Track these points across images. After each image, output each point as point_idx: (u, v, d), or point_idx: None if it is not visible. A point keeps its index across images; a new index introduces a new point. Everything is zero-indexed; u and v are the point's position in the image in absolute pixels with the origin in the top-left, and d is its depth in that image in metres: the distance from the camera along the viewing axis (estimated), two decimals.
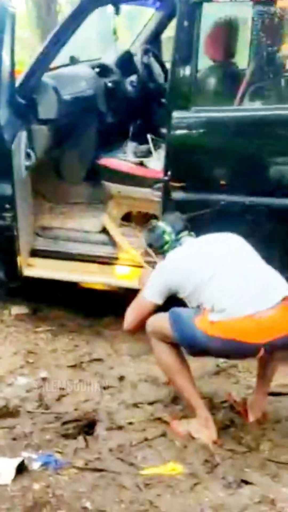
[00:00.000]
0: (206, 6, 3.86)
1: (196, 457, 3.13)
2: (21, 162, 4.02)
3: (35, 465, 2.96)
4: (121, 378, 3.92)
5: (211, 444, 3.19)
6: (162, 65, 5.36)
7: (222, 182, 3.91)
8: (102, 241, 4.49)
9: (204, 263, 3.21)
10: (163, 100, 5.08)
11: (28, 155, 4.06)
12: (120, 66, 5.28)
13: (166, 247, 3.43)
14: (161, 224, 3.50)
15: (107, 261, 4.36)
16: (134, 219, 4.63)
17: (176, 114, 3.93)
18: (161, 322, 3.26)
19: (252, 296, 3.07)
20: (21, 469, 2.89)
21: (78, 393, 3.76)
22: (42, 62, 4.20)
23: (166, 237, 3.42)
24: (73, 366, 4.09)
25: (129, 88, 5.26)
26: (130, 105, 5.17)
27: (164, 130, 4.71)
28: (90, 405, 3.60)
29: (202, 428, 3.26)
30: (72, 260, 4.44)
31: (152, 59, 5.22)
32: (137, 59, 5.24)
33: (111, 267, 4.35)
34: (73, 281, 4.39)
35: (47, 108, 4.21)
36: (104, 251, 4.45)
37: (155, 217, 4.38)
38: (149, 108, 5.22)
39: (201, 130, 3.96)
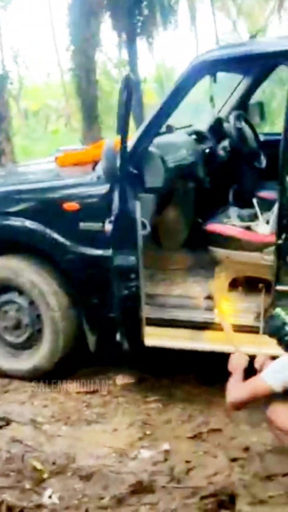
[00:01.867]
0: None
1: None
2: (139, 231, 4.00)
3: None
4: (246, 449, 3.80)
5: None
6: (253, 130, 5.38)
7: None
8: (211, 307, 4.41)
9: None
10: (256, 164, 5.13)
11: (143, 225, 4.04)
12: (213, 132, 5.31)
13: (287, 338, 3.37)
14: (281, 314, 3.43)
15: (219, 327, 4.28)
16: (241, 284, 4.57)
17: None
18: None
19: None
20: None
21: (206, 466, 3.64)
22: (149, 133, 4.22)
23: (287, 329, 3.37)
24: (193, 437, 3.98)
25: (222, 153, 5.27)
26: (226, 170, 5.19)
27: (264, 194, 4.77)
28: (221, 478, 3.48)
29: None
30: (181, 328, 4.38)
31: (243, 124, 5.25)
32: (228, 124, 5.28)
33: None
34: (191, 349, 4.31)
35: (155, 177, 4.22)
36: (214, 317, 4.37)
37: (263, 280, 4.35)
38: (244, 172, 5.22)
39: None
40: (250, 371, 3.62)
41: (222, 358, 4.24)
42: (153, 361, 4.72)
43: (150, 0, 20.43)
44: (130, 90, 3.81)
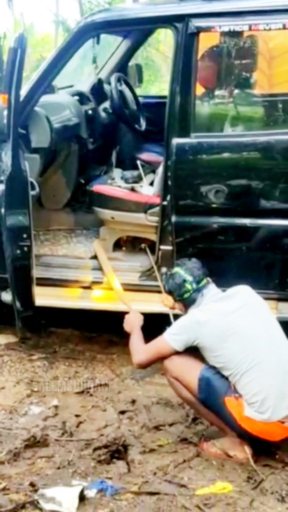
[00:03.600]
0: (202, 36, 3.99)
1: (237, 475, 3.21)
2: (30, 192, 4.00)
3: (91, 493, 2.96)
4: (133, 402, 3.96)
5: (251, 459, 3.27)
6: (132, 92, 5.45)
7: (226, 205, 4.03)
8: (98, 267, 4.50)
9: (239, 342, 3.27)
10: (136, 126, 5.23)
11: (32, 185, 4.03)
12: (94, 93, 5.35)
13: (186, 295, 3.48)
14: (182, 272, 3.51)
15: (108, 287, 4.38)
16: (125, 244, 4.68)
17: (176, 140, 4.02)
18: (188, 376, 3.37)
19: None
20: (81, 497, 2.89)
21: (96, 419, 3.78)
22: (35, 93, 4.19)
23: (188, 286, 3.47)
24: (81, 393, 4.09)
25: (103, 115, 5.33)
26: (108, 131, 5.24)
27: (144, 156, 4.89)
28: (112, 430, 3.61)
29: (237, 446, 3.34)
30: (67, 287, 4.44)
31: (124, 86, 5.30)
32: (108, 86, 5.32)
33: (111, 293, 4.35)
34: (80, 308, 4.39)
35: (41, 137, 4.21)
36: (99, 276, 4.46)
37: (146, 240, 4.48)
38: (125, 134, 5.30)
39: (201, 156, 4.07)
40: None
41: (104, 316, 4.40)
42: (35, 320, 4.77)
43: None
44: (24, 49, 3.77)
